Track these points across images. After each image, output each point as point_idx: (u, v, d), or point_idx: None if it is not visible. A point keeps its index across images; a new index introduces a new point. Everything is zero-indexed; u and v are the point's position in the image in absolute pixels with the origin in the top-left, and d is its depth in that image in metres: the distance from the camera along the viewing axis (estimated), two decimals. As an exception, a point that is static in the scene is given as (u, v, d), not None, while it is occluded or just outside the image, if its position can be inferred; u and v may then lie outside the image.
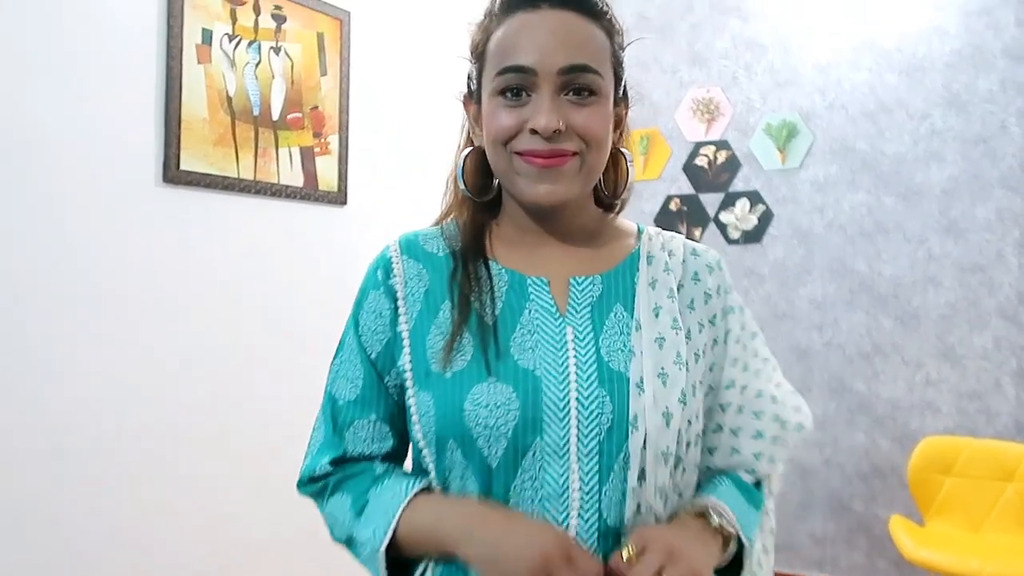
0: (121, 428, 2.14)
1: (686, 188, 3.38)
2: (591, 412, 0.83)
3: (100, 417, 2.08)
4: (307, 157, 2.64)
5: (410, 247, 0.95)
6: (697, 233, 3.35)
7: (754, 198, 3.24)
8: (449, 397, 0.84)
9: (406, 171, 3.16)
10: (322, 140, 2.69)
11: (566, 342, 0.86)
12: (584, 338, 0.87)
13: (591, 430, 0.82)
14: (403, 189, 3.15)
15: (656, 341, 0.87)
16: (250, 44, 2.42)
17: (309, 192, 2.64)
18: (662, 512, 0.84)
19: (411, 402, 0.88)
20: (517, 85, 0.85)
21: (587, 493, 0.81)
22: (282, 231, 2.58)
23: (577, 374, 0.84)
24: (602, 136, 0.86)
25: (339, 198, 2.76)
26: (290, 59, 2.55)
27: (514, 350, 0.85)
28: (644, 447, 0.82)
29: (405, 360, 0.88)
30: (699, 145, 3.35)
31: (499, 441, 0.82)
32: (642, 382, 0.84)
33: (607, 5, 0.90)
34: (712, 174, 3.33)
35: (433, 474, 0.88)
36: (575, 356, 0.85)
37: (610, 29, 0.90)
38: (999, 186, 2.83)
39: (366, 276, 0.96)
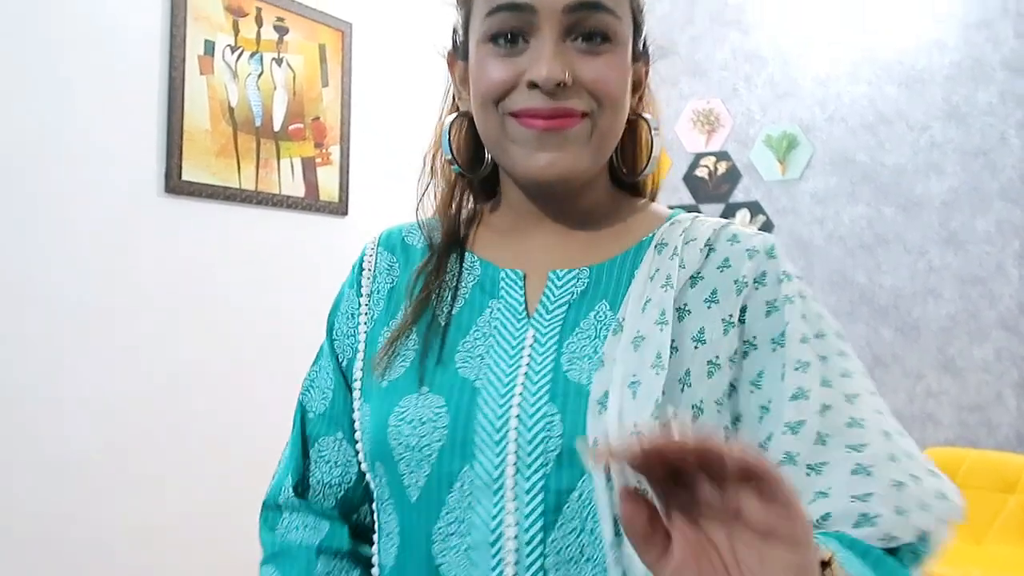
0: (120, 439, 2.13)
1: (687, 199, 3.39)
2: (534, 435, 0.63)
3: (100, 428, 2.08)
4: (308, 167, 2.64)
5: (389, 239, 0.83)
6: (697, 244, 3.36)
7: (754, 209, 3.25)
8: (379, 410, 0.69)
9: (407, 181, 3.16)
10: (323, 151, 2.70)
11: (523, 348, 0.67)
12: (546, 343, 0.67)
13: (534, 459, 0.62)
14: (404, 200, 3.14)
15: (633, 342, 0.64)
16: (252, 55, 2.43)
17: (310, 202, 2.65)
18: None
19: (355, 416, 0.74)
20: (512, 27, 0.65)
21: (526, 543, 0.62)
22: (283, 241, 2.58)
23: (524, 386, 0.65)
24: (618, 94, 0.67)
25: (340, 208, 2.77)
26: (292, 70, 2.56)
27: (459, 356, 0.69)
28: (610, 485, 0.59)
29: (357, 366, 0.75)
30: (699, 156, 3.36)
31: (421, 467, 0.65)
32: (606, 397, 0.62)
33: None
34: (712, 185, 3.34)
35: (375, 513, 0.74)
36: (528, 364, 0.66)
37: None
38: (999, 198, 2.84)
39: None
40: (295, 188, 2.59)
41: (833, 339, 0.68)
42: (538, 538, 0.62)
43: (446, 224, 0.77)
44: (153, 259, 2.20)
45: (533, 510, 0.62)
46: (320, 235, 2.72)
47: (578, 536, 0.62)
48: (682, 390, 0.63)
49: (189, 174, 2.26)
